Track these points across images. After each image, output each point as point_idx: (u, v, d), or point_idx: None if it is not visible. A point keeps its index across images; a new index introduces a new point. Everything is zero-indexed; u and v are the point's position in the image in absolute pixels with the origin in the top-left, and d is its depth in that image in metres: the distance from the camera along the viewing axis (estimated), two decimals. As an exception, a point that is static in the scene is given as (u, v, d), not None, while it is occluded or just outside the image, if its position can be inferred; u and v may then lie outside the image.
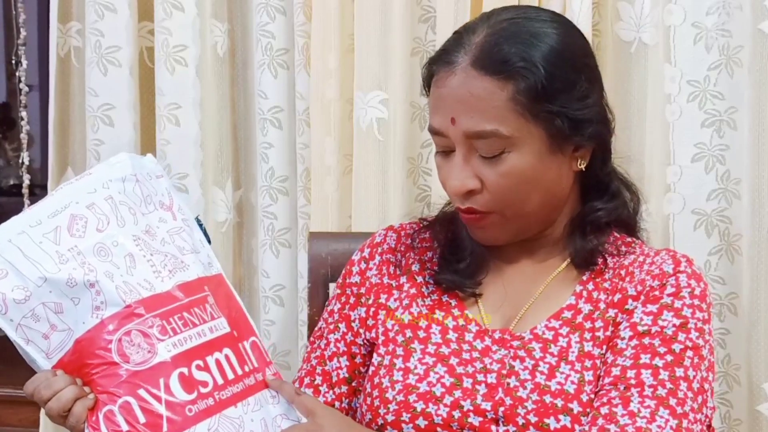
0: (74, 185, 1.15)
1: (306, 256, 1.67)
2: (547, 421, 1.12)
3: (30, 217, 1.11)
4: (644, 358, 1.13)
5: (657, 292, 1.17)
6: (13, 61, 2.60)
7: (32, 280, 1.07)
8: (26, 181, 2.32)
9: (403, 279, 1.30)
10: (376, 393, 1.22)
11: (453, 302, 1.26)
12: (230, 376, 1.10)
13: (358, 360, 1.30)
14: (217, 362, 1.09)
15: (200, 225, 1.22)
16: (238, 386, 1.10)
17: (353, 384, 1.30)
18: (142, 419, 1.04)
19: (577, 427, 1.12)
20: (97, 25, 1.80)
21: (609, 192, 1.26)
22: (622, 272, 1.21)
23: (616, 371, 1.13)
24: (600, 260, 1.22)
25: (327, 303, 1.37)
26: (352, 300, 1.32)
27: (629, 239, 1.27)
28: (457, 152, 1.18)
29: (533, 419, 1.13)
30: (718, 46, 1.66)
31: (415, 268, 1.30)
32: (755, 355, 1.65)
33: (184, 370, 1.06)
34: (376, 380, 1.23)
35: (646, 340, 1.14)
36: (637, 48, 1.66)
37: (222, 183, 1.86)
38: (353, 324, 1.31)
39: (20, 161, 2.42)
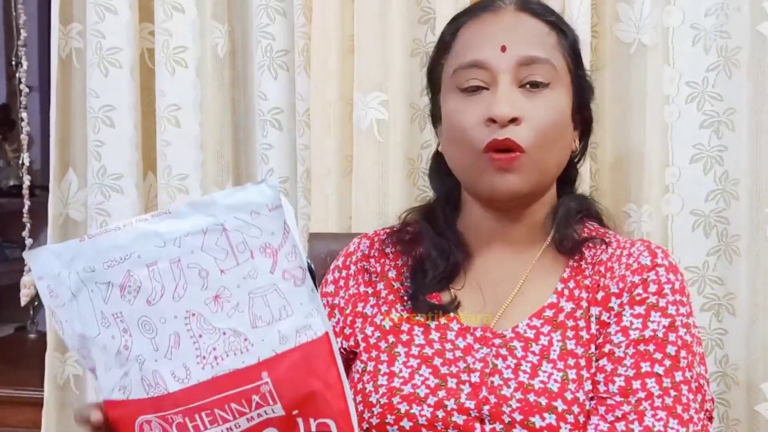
0: (147, 225, 1.00)
1: (306, 256, 1.68)
2: (532, 419, 1.13)
3: (88, 258, 1.00)
4: (645, 367, 1.15)
5: (640, 289, 1.18)
6: (13, 62, 2.60)
7: (75, 333, 1.02)
8: (26, 182, 2.32)
9: (380, 286, 1.30)
10: (359, 398, 1.21)
11: (434, 301, 1.26)
12: None
13: None
14: None
15: (311, 275, 1.03)
16: None
17: None
18: None
19: (562, 424, 1.13)
20: (98, 26, 1.81)
21: (576, 191, 1.33)
22: (602, 268, 1.23)
23: (620, 381, 1.15)
24: (582, 249, 1.25)
25: None
26: (327, 310, 1.32)
27: (602, 230, 1.29)
28: (502, 82, 1.19)
29: (518, 417, 1.13)
30: (717, 47, 1.66)
31: (391, 274, 1.31)
32: (753, 356, 1.65)
33: None
34: (360, 386, 1.23)
35: (642, 347, 1.15)
36: (637, 49, 1.66)
37: (222, 184, 1.87)
38: None
39: (20, 162, 2.43)
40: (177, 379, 0.99)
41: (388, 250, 1.33)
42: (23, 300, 2.10)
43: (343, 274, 1.34)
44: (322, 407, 1.01)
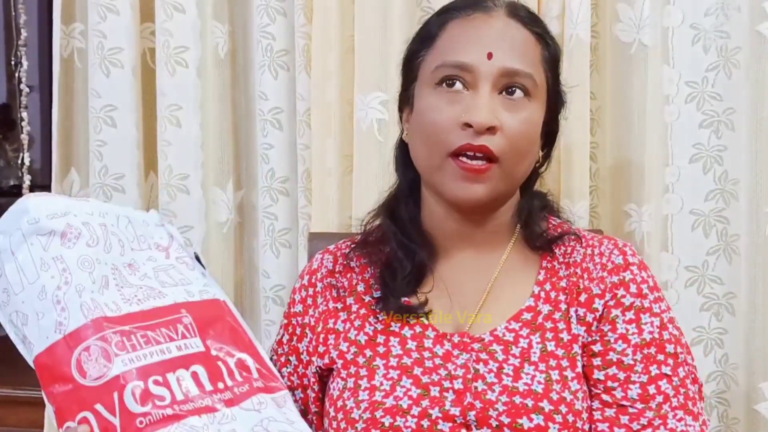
0: (73, 201, 1.19)
1: (306, 256, 1.68)
2: (520, 421, 1.13)
3: (32, 212, 1.14)
4: (653, 370, 1.17)
5: (622, 290, 1.20)
6: (13, 62, 2.61)
7: (12, 285, 1.12)
8: (27, 182, 2.33)
9: (350, 300, 1.29)
10: (341, 416, 1.20)
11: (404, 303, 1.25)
12: (194, 392, 1.09)
13: (310, 392, 1.29)
14: (179, 379, 1.10)
15: (199, 262, 1.28)
16: (205, 401, 1.09)
17: (308, 416, 1.29)
18: None
19: (551, 424, 1.13)
20: (100, 26, 1.81)
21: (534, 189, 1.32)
22: (578, 270, 1.23)
23: (636, 388, 1.16)
24: (551, 246, 1.25)
25: (277, 332, 1.36)
26: (298, 331, 1.31)
27: (566, 225, 1.30)
28: (482, 87, 1.17)
29: (506, 420, 1.13)
30: (716, 47, 1.67)
31: (360, 288, 1.29)
32: (753, 355, 1.66)
33: (140, 383, 1.07)
34: (340, 403, 1.21)
35: (645, 351, 1.18)
36: (637, 49, 1.67)
37: (223, 183, 1.87)
38: (302, 356, 1.30)
39: (20, 162, 2.44)
40: (110, 309, 1.12)
41: (353, 264, 1.31)
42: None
43: (310, 292, 1.32)
44: (236, 341, 1.19)
